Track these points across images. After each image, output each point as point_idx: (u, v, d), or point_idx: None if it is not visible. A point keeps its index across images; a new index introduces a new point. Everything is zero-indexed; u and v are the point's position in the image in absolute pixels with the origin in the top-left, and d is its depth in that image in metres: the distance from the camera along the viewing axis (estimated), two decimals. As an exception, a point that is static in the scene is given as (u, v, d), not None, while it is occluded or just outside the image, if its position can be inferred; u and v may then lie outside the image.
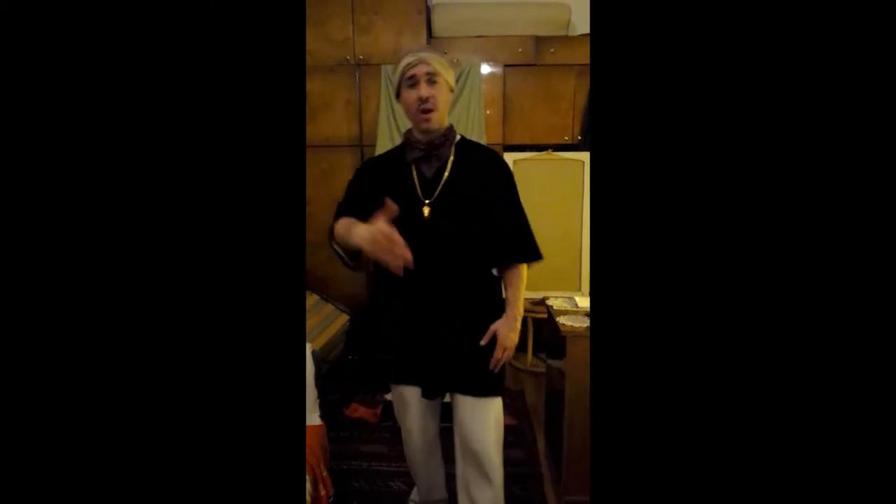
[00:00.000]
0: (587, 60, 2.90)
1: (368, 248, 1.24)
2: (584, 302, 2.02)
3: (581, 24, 3.14)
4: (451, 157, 1.42)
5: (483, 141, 3.00)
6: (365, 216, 1.29)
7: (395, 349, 1.46)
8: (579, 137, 3.04)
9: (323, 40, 3.07)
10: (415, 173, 1.43)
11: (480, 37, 3.06)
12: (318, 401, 1.88)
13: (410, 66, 1.35)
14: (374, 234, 1.21)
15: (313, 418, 1.80)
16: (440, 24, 3.10)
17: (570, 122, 3.08)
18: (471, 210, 1.40)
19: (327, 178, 3.23)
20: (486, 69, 3.06)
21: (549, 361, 2.41)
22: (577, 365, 1.75)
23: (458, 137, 1.47)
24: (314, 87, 3.09)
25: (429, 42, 3.08)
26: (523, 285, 1.46)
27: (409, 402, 1.54)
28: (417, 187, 1.41)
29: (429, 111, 1.35)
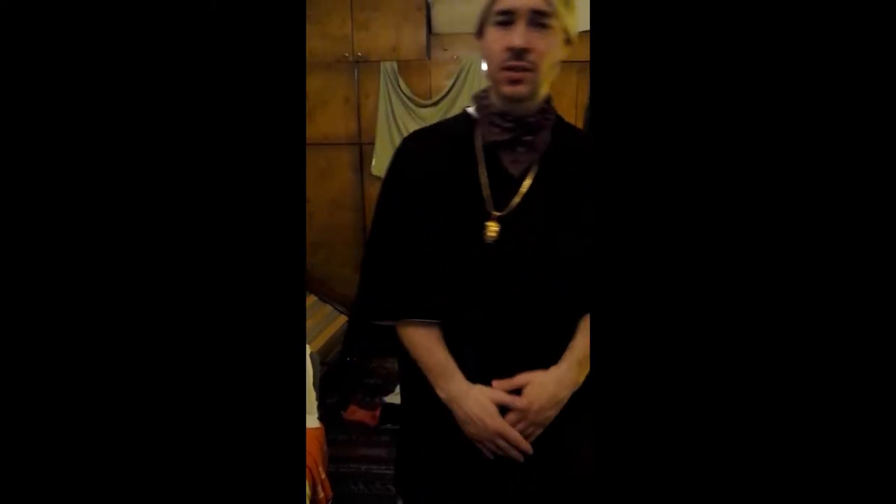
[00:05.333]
0: (588, 57, 2.87)
1: (470, 430, 0.88)
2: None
3: (582, 20, 3.12)
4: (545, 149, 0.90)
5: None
6: (419, 237, 0.90)
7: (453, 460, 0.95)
8: (581, 135, 3.02)
9: (321, 37, 3.04)
10: (483, 166, 0.90)
11: (481, 33, 3.04)
12: (316, 403, 1.86)
13: None
14: (484, 424, 0.85)
15: (312, 421, 1.79)
16: (440, 20, 3.08)
17: (572, 120, 3.05)
18: (555, 235, 0.89)
19: (325, 176, 3.21)
20: (486, 66, 3.03)
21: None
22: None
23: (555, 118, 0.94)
24: (312, 84, 3.07)
25: (428, 39, 3.05)
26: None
27: None
28: (484, 188, 0.89)
29: (521, 70, 0.83)
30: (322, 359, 2.45)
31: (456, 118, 0.99)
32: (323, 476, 1.70)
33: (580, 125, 3.04)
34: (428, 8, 3.05)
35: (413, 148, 0.96)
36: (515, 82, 0.84)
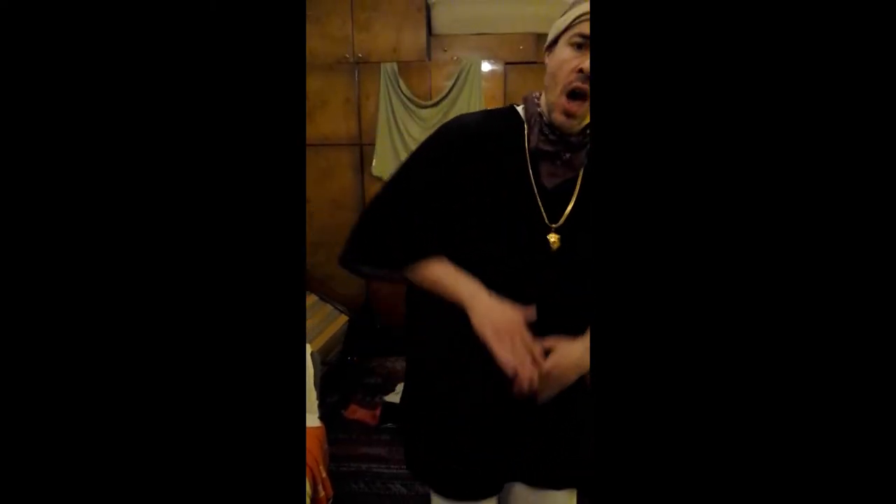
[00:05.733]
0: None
1: (491, 339, 0.82)
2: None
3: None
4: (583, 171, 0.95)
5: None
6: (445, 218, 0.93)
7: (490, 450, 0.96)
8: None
9: (322, 37, 3.05)
10: (531, 174, 0.93)
11: (481, 34, 3.04)
12: (317, 402, 1.86)
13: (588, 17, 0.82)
14: (512, 332, 0.81)
15: (312, 420, 1.79)
16: (440, 21, 3.08)
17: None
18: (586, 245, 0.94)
19: (325, 176, 3.21)
20: (486, 67, 3.04)
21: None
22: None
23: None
24: (312, 84, 3.07)
25: (428, 40, 3.05)
26: None
27: None
28: (539, 200, 0.93)
29: (582, 99, 0.85)
30: (322, 358, 2.45)
31: (504, 114, 0.99)
32: (324, 475, 1.70)
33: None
34: (428, 9, 3.05)
35: (463, 133, 0.96)
36: (570, 115, 0.86)
